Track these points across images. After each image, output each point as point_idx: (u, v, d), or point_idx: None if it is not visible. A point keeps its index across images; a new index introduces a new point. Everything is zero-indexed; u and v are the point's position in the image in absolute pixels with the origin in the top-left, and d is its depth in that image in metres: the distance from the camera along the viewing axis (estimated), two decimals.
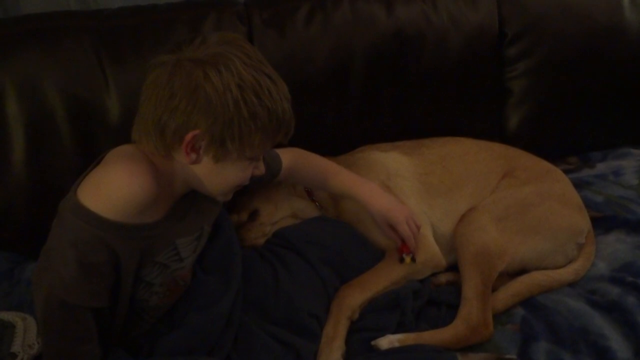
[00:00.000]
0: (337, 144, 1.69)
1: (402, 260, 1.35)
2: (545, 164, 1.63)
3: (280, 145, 1.14)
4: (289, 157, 1.42)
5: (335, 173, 1.42)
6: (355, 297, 1.28)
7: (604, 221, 1.58)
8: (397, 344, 1.21)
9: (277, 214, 1.48)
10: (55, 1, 1.70)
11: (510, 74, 1.85)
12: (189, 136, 0.97)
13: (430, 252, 1.42)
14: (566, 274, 1.42)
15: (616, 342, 1.23)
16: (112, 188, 0.96)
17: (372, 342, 1.22)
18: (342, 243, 1.38)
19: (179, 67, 0.97)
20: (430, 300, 1.36)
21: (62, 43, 1.50)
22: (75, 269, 0.97)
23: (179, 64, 0.97)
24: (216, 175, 1.04)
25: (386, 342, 1.22)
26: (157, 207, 1.04)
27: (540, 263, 1.42)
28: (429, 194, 1.53)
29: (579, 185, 1.68)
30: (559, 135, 1.93)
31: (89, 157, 1.30)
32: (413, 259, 1.35)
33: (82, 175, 1.03)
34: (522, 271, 1.41)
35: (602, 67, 1.87)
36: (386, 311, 1.29)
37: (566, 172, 1.70)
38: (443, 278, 1.44)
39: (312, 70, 1.66)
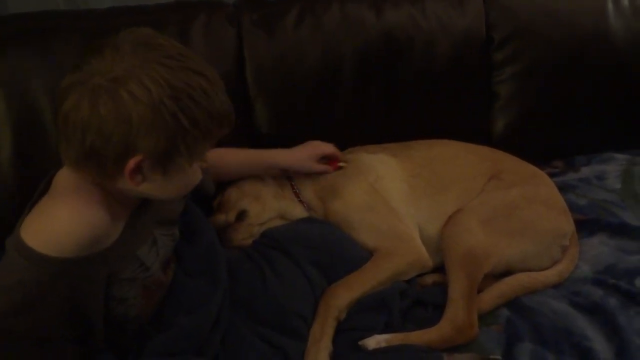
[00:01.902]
0: None
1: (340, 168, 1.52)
2: (530, 168, 1.65)
3: None
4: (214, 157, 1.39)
5: (244, 152, 1.49)
6: (342, 297, 1.29)
7: (587, 224, 1.60)
8: (384, 344, 1.22)
9: (264, 215, 1.49)
10: (43, 1, 1.69)
11: (497, 78, 1.86)
12: (130, 164, 0.91)
13: (417, 253, 1.42)
14: (550, 275, 1.44)
15: (598, 343, 1.25)
16: (58, 227, 0.91)
17: (360, 342, 1.23)
18: (330, 244, 1.38)
19: (100, 90, 0.87)
20: (416, 300, 1.37)
21: (50, 43, 1.49)
22: (20, 306, 0.90)
23: (98, 87, 0.87)
24: (167, 186, 0.99)
25: (373, 342, 1.23)
26: (114, 229, 1.01)
27: (525, 265, 1.44)
28: (416, 195, 1.54)
29: (563, 188, 1.69)
30: (545, 139, 1.95)
31: None
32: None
33: (27, 207, 0.98)
34: (507, 273, 1.42)
35: (587, 72, 1.89)
36: (373, 311, 1.30)
37: (551, 175, 1.72)
38: (429, 279, 1.45)
39: (302, 72, 1.66)
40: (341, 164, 1.55)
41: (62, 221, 0.91)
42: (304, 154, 1.51)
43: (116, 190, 0.99)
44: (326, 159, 1.55)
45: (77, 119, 0.89)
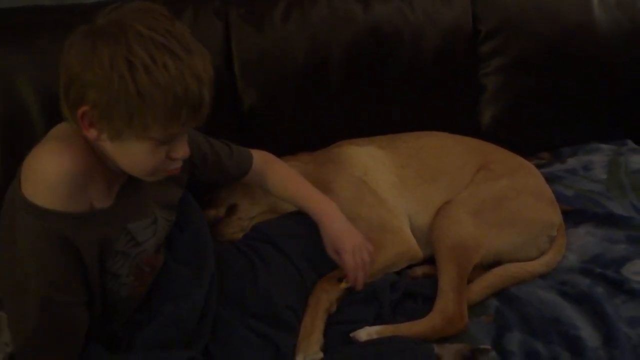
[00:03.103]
0: (314, 139, 1.70)
1: (339, 280, 1.30)
2: (518, 159, 1.66)
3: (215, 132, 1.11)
4: (260, 159, 1.40)
5: (298, 183, 1.39)
6: (332, 290, 1.30)
7: (574, 214, 1.62)
8: (375, 336, 1.23)
9: (255, 209, 1.49)
10: None
11: (484, 70, 1.88)
12: (80, 112, 0.93)
13: (407, 245, 1.44)
14: (538, 265, 1.45)
15: (586, 331, 1.26)
16: (42, 172, 0.93)
17: (351, 334, 1.24)
18: (320, 237, 1.38)
19: (80, 35, 0.93)
20: (407, 292, 1.38)
21: (36, 39, 1.47)
22: (34, 263, 0.96)
23: (81, 32, 0.93)
24: (123, 155, 0.99)
25: (364, 334, 1.23)
26: (103, 191, 1.03)
27: (513, 255, 1.45)
28: (405, 186, 1.55)
29: (550, 179, 1.71)
30: (531, 131, 1.96)
31: None
32: (350, 288, 1.29)
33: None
34: (496, 263, 1.44)
35: (573, 64, 1.91)
36: (364, 303, 1.31)
37: (538, 166, 1.74)
38: (419, 271, 1.46)
39: (290, 66, 1.66)
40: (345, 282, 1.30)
41: (44, 165, 0.94)
42: (334, 231, 1.31)
43: (98, 147, 1.00)
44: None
45: (62, 59, 0.94)
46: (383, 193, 1.51)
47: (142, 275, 1.15)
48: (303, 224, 1.40)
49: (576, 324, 1.28)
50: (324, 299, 1.28)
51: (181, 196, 1.28)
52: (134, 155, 0.98)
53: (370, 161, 1.57)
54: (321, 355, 1.20)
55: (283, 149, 1.63)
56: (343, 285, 1.29)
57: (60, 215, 0.95)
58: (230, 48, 1.62)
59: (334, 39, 1.69)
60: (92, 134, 0.96)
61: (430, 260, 1.45)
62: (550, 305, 1.34)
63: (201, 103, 0.96)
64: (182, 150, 1.02)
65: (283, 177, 1.40)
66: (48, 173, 0.93)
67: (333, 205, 1.35)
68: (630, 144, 1.97)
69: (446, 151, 1.62)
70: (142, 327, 1.14)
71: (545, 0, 1.87)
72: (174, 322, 1.15)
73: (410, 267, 1.45)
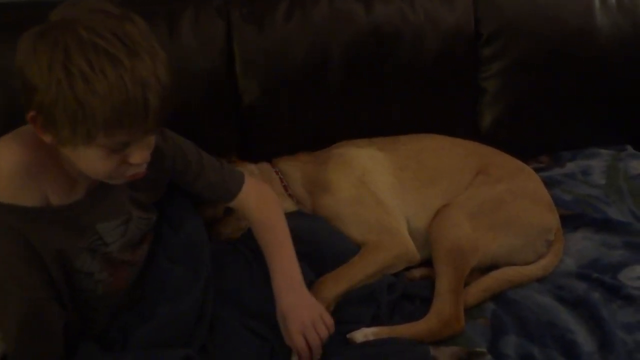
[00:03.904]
0: (314, 139, 1.70)
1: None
2: (517, 162, 1.67)
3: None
4: (255, 192, 1.33)
5: (277, 245, 1.26)
6: (330, 290, 1.30)
7: (572, 219, 1.62)
8: (371, 337, 1.23)
9: None
10: None
11: (485, 73, 1.87)
12: (28, 116, 0.91)
13: (405, 247, 1.44)
14: (535, 269, 1.46)
15: (582, 336, 1.27)
16: None
17: (348, 335, 1.24)
18: (318, 237, 1.39)
19: (28, 34, 0.89)
20: (404, 294, 1.38)
21: None
22: None
23: (32, 31, 0.90)
24: (78, 159, 0.96)
25: (361, 335, 1.24)
26: (64, 186, 1.02)
27: (510, 259, 1.46)
28: (404, 189, 1.55)
29: (549, 183, 1.71)
30: (531, 135, 1.96)
31: None
32: None
33: None
34: (493, 267, 1.44)
35: (574, 68, 1.91)
36: (361, 304, 1.31)
37: (537, 170, 1.74)
38: (417, 273, 1.46)
39: (291, 66, 1.66)
40: None
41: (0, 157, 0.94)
42: (287, 305, 1.19)
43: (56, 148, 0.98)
44: None
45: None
46: (382, 195, 1.52)
47: (116, 271, 1.14)
48: (301, 224, 1.41)
49: (572, 329, 1.29)
50: (321, 298, 1.28)
51: (172, 196, 1.27)
52: (87, 160, 0.96)
53: (369, 163, 1.58)
54: None
55: (283, 149, 1.64)
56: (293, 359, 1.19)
57: (12, 208, 0.95)
58: (231, 47, 1.62)
59: (335, 39, 1.69)
60: (46, 137, 0.94)
61: (428, 262, 1.45)
62: (547, 309, 1.34)
63: (146, 109, 0.91)
64: (138, 157, 0.98)
65: (266, 226, 1.29)
66: (3, 165, 0.93)
67: (297, 277, 1.22)
68: (630, 149, 1.97)
69: (445, 154, 1.63)
70: (137, 328, 1.14)
71: (546, 3, 1.87)
72: (170, 323, 1.15)
73: (408, 269, 1.46)
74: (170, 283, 1.20)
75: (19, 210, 0.96)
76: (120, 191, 1.11)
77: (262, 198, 1.33)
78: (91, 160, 0.95)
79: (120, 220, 1.12)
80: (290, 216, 1.44)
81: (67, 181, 1.03)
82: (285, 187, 1.54)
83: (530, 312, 1.33)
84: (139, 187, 1.14)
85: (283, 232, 1.28)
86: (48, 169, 0.99)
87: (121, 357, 1.11)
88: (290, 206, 1.52)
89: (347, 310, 1.30)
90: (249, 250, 1.34)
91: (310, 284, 1.31)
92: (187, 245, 1.26)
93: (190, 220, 1.29)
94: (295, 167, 1.58)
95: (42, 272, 1.03)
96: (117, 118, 0.89)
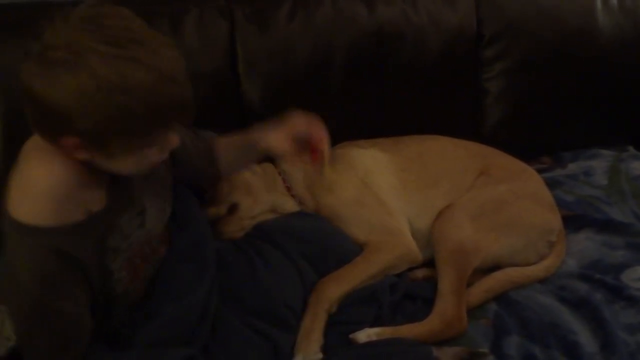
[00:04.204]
0: None
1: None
2: (519, 163, 1.67)
3: None
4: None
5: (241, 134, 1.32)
6: (333, 290, 1.30)
7: (574, 220, 1.62)
8: (374, 338, 1.24)
9: (256, 209, 1.49)
10: None
11: (487, 74, 1.88)
12: (65, 141, 0.89)
13: (407, 247, 1.44)
14: (537, 270, 1.46)
15: (584, 337, 1.27)
16: (32, 188, 0.91)
17: (350, 336, 1.24)
18: (321, 238, 1.39)
19: (36, 63, 0.85)
20: (406, 294, 1.38)
21: (38, 32, 1.47)
22: (37, 287, 0.94)
23: (38, 59, 0.85)
24: (118, 165, 0.97)
25: (364, 335, 1.24)
26: (96, 194, 1.01)
27: (513, 260, 1.46)
28: (406, 190, 1.55)
29: (551, 184, 1.71)
30: (533, 135, 1.97)
31: None
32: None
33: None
34: (495, 267, 1.44)
35: (576, 69, 1.91)
36: (363, 305, 1.31)
37: (539, 171, 1.75)
38: (419, 273, 1.47)
39: (294, 66, 1.67)
40: (326, 158, 1.26)
41: (38, 180, 0.91)
42: (281, 135, 1.26)
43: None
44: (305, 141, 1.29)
45: (23, 89, 0.88)
46: (384, 196, 1.52)
47: (134, 269, 1.14)
48: (304, 224, 1.42)
49: (574, 329, 1.29)
50: (324, 299, 1.29)
51: (178, 189, 1.27)
52: (126, 162, 0.97)
53: (372, 164, 1.58)
54: (321, 355, 1.21)
55: None
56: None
57: (60, 230, 0.93)
58: (234, 48, 1.63)
59: (338, 40, 1.69)
60: (80, 155, 0.92)
61: (430, 263, 1.45)
62: (549, 310, 1.35)
63: (185, 102, 0.93)
64: (175, 143, 1.01)
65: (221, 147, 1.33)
66: (39, 187, 0.91)
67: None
68: (631, 150, 1.98)
69: (448, 155, 1.63)
70: (143, 325, 1.14)
71: (549, 5, 1.87)
72: (175, 321, 1.15)
73: (410, 269, 1.46)
74: (176, 281, 1.20)
75: (67, 229, 0.94)
76: (133, 182, 1.10)
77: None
78: (130, 162, 0.97)
79: (136, 212, 1.12)
80: (293, 216, 1.46)
81: (98, 184, 1.01)
82: (288, 188, 1.54)
83: (533, 313, 1.33)
84: (147, 175, 1.13)
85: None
86: (84, 178, 0.97)
87: (125, 355, 1.11)
88: (293, 206, 1.52)
89: (349, 311, 1.31)
90: (252, 250, 1.34)
91: (312, 285, 1.32)
92: (193, 244, 1.26)
93: (196, 219, 1.30)
94: (298, 168, 1.58)
95: (86, 288, 1.02)
96: (164, 117, 0.91)
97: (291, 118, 1.26)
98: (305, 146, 1.26)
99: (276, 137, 1.25)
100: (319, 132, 1.26)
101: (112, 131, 0.89)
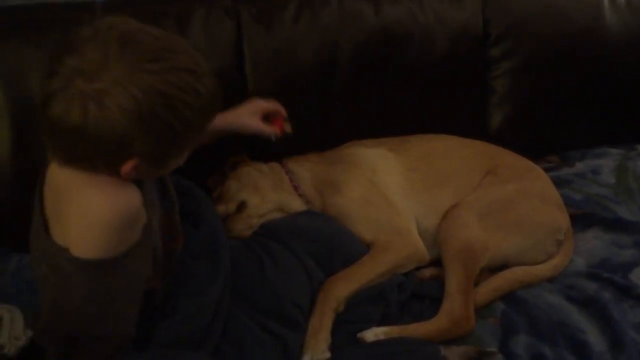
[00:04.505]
0: (323, 139, 1.70)
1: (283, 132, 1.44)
2: (526, 162, 1.66)
3: None
4: None
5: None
6: (341, 289, 1.30)
7: (582, 218, 1.62)
8: (382, 337, 1.24)
9: (264, 207, 1.49)
10: None
11: (494, 73, 1.87)
12: (125, 167, 0.90)
13: (414, 247, 1.44)
14: (545, 269, 1.45)
15: (593, 336, 1.27)
16: (100, 221, 0.91)
17: (358, 335, 1.25)
18: (328, 237, 1.39)
19: (86, 98, 0.83)
20: (414, 293, 1.38)
21: (49, 35, 1.48)
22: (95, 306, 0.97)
23: (84, 94, 0.83)
24: (164, 171, 1.02)
25: (372, 334, 1.24)
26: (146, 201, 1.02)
27: (520, 259, 1.45)
28: (413, 189, 1.55)
29: (558, 183, 1.71)
30: (540, 134, 1.96)
31: None
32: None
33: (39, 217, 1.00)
34: (503, 266, 1.44)
35: (583, 67, 1.91)
36: (371, 304, 1.32)
37: (546, 170, 1.74)
38: (427, 272, 1.46)
39: (299, 66, 1.66)
40: (287, 127, 1.46)
41: (102, 209, 0.91)
42: (244, 111, 1.42)
43: None
44: (270, 118, 1.46)
45: (68, 126, 0.85)
46: (391, 195, 1.52)
47: (154, 265, 1.13)
48: (311, 223, 1.42)
49: (583, 328, 1.29)
50: (332, 298, 1.29)
51: (191, 192, 1.29)
52: (172, 165, 0.99)
53: (379, 163, 1.58)
54: (329, 354, 1.21)
55: (292, 148, 1.64)
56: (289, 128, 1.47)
57: (129, 252, 0.95)
58: (241, 48, 1.63)
59: (344, 39, 1.69)
60: (133, 174, 0.93)
61: (438, 262, 1.45)
62: (557, 309, 1.34)
63: (219, 96, 0.96)
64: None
65: None
66: (106, 220, 0.91)
67: None
68: (639, 148, 1.97)
69: (455, 154, 1.63)
70: (158, 323, 1.14)
71: (555, 3, 1.87)
72: (190, 319, 1.15)
73: (417, 268, 1.46)
74: (192, 280, 1.20)
75: (135, 249, 0.96)
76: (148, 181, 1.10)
77: None
78: (175, 164, 0.99)
79: (152, 207, 1.12)
80: (300, 215, 1.46)
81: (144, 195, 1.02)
82: (295, 187, 1.54)
83: (541, 312, 1.33)
84: None
85: None
86: (138, 192, 0.98)
87: (139, 357, 1.11)
88: (300, 205, 1.52)
89: (356, 310, 1.31)
90: (260, 247, 1.34)
91: (319, 284, 1.32)
92: (207, 241, 1.26)
93: (210, 217, 1.30)
94: (305, 167, 1.58)
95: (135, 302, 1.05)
96: (211, 112, 0.96)
97: (253, 100, 1.46)
98: (270, 120, 1.45)
99: (248, 116, 1.42)
100: (276, 105, 1.46)
101: (171, 143, 0.92)
